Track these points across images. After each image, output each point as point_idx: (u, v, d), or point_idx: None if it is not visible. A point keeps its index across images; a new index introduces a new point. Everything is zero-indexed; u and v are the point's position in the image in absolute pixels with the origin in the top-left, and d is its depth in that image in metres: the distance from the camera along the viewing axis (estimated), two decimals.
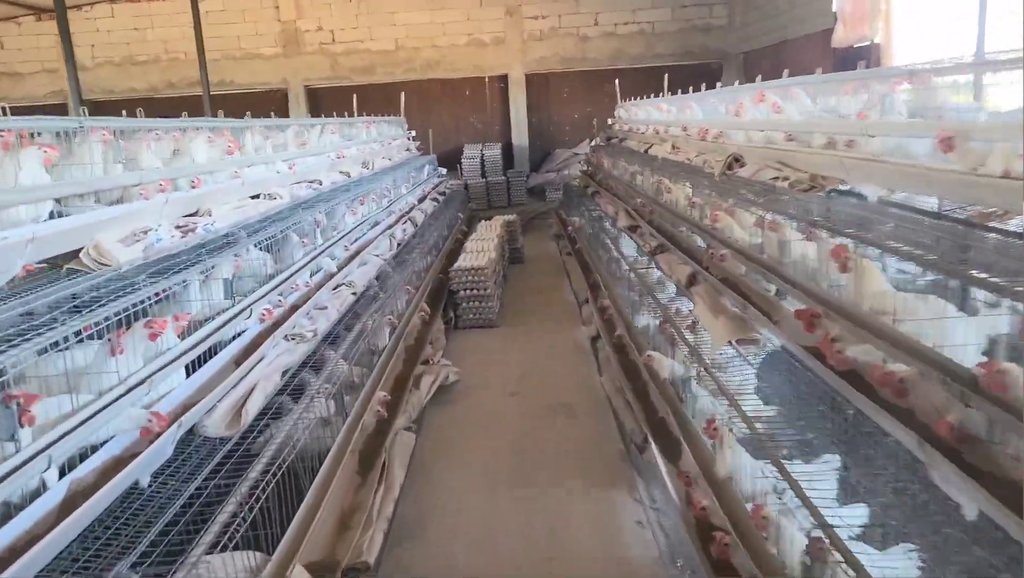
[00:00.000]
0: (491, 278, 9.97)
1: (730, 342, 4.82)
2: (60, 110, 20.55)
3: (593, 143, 18.58)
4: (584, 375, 8.09)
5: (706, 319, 5.18)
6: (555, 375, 8.15)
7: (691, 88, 12.54)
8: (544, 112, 22.35)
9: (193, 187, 5.57)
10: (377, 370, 6.51)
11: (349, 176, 9.99)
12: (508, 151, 21.72)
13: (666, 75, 16.13)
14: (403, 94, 19.05)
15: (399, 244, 10.04)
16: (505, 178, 20.62)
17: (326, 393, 5.07)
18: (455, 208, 15.63)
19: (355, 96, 17.06)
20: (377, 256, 8.76)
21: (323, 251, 6.95)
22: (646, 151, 11.60)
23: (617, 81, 17.74)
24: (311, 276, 6.70)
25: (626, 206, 10.30)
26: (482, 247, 10.96)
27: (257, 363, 4.70)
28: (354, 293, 7.18)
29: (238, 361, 4.67)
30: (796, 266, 4.80)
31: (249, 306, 4.88)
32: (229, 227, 5.58)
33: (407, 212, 11.63)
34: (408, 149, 16.18)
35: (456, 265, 10.19)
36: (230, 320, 4.71)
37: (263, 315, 5.14)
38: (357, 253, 8.13)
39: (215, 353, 4.64)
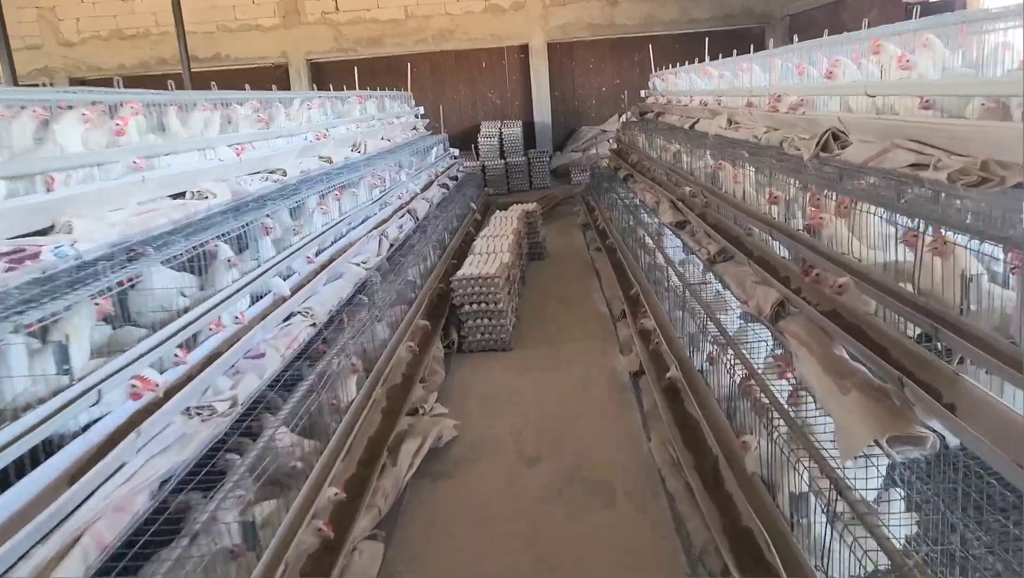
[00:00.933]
0: (503, 288, 8.03)
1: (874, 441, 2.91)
2: None
3: (623, 119, 16.56)
4: (625, 429, 6.09)
5: (824, 393, 3.28)
6: (586, 429, 6.14)
7: (734, 53, 10.68)
8: (568, 85, 20.33)
9: (48, 190, 3.75)
10: (335, 441, 4.62)
11: (331, 162, 8.15)
12: (529, 129, 19.75)
13: (707, 39, 13.99)
14: (410, 65, 17.09)
15: (392, 244, 8.19)
16: (526, 159, 18.67)
17: (232, 507, 3.23)
18: (468, 195, 13.75)
19: (356, 69, 15.18)
20: (359, 264, 6.93)
21: (270, 268, 5.12)
22: (691, 127, 9.62)
23: (651, 47, 15.64)
24: (251, 305, 4.89)
25: (670, 196, 8.36)
26: (495, 246, 9.09)
27: (105, 480, 2.90)
28: (314, 324, 5.34)
29: (72, 477, 2.87)
30: (980, 313, 2.89)
31: (99, 384, 3.06)
32: (105, 247, 3.76)
33: (406, 203, 9.76)
34: (415, 128, 14.28)
35: (460, 273, 8.24)
36: (64, 406, 2.91)
37: (134, 388, 3.31)
38: (328, 264, 6.30)
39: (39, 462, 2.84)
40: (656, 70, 14.83)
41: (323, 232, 6.46)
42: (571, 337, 8.44)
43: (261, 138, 6.81)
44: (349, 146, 9.69)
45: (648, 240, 8.47)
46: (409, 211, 9.80)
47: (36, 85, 19.25)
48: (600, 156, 19.37)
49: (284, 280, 5.37)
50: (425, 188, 11.49)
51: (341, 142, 9.37)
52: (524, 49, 19.81)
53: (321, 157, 8.15)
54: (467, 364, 7.82)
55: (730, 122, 7.86)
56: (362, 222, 7.86)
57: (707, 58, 13.64)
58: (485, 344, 8.13)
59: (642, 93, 15.27)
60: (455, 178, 14.21)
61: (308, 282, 5.78)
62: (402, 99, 14.69)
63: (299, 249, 5.83)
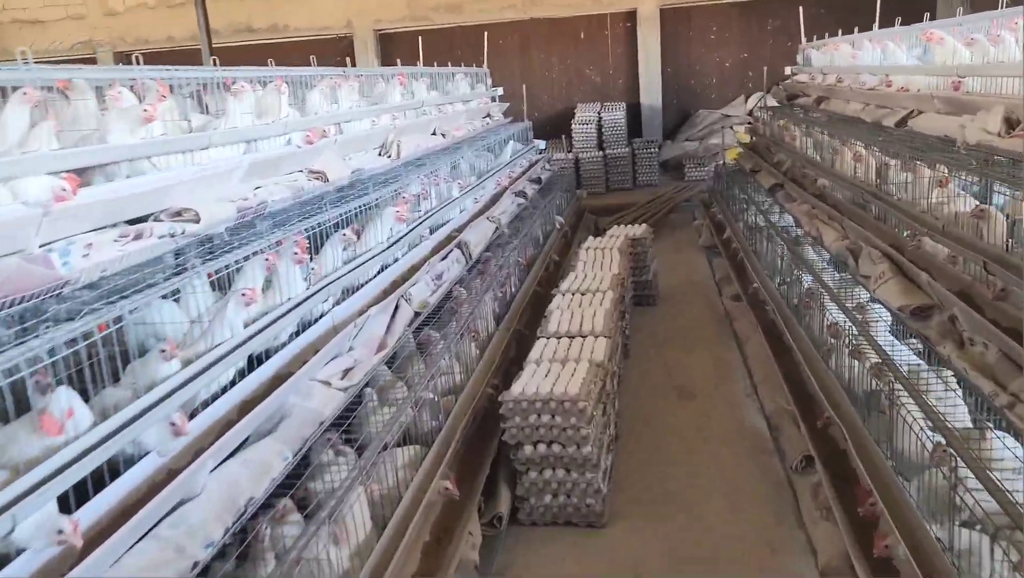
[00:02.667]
0: (592, 417, 4.58)
1: None
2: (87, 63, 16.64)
3: (759, 103, 12.98)
4: None
5: None
6: None
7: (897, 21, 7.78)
8: (683, 60, 16.82)
9: None
10: None
11: (324, 180, 5.15)
12: (635, 113, 16.34)
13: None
14: (487, 35, 13.89)
15: (416, 320, 5.15)
16: (629, 150, 15.28)
17: None
18: (553, 204, 10.53)
19: (420, 40, 12.13)
20: (335, 385, 3.91)
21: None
22: (901, 122, 6.12)
23: (801, 10, 11.92)
24: None
25: (885, 247, 4.96)
26: (582, 315, 5.75)
27: None
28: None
29: None
30: None
31: None
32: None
33: (456, 231, 6.66)
34: (487, 116, 11.14)
35: (516, 389, 4.71)
36: None
37: None
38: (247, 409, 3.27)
39: None
40: (808, 40, 11.19)
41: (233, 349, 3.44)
42: (711, 490, 4.91)
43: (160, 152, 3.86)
44: (375, 147, 6.65)
45: (826, 299, 5.09)
46: (460, 245, 6.70)
47: (83, 60, 17.04)
48: (722, 147, 15.80)
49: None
50: (489, 205, 8.35)
51: (361, 142, 6.35)
52: (631, 16, 16.38)
53: (311, 173, 5.14)
54: (523, 548, 4.53)
55: (1009, 124, 4.40)
56: (361, 286, 4.83)
57: (877, 22, 10.01)
58: (558, 513, 4.64)
59: (788, 70, 11.68)
60: (538, 180, 11.01)
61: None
62: (474, 78, 11.57)
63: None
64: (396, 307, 5.14)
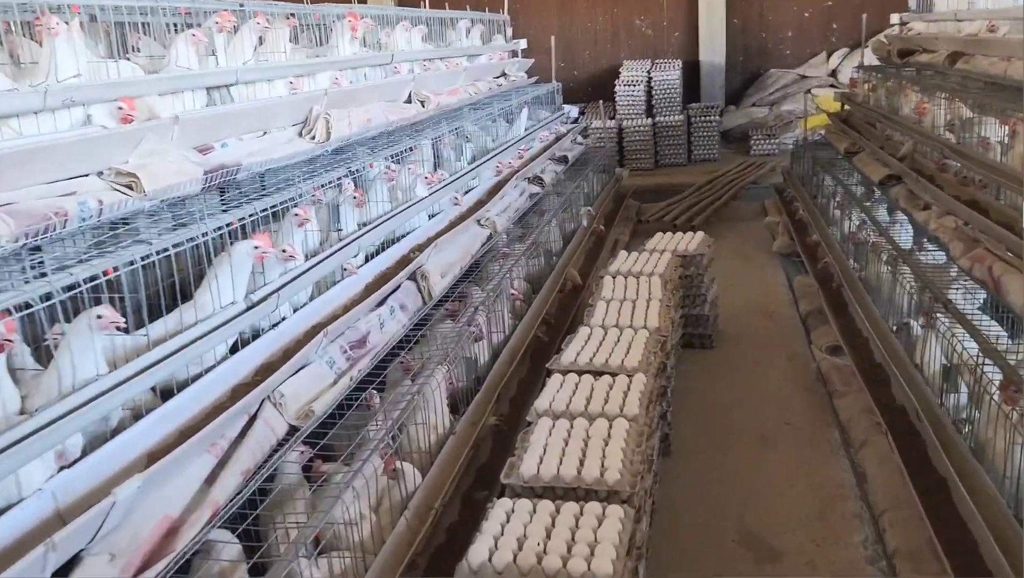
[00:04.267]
0: None
1: None
2: None
3: (846, 61, 10.30)
4: None
5: None
6: None
7: None
8: (753, 9, 14.09)
9: None
10: None
11: (139, 189, 2.86)
12: (692, 73, 13.65)
13: None
14: None
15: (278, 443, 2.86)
16: (685, 117, 12.66)
17: None
18: (579, 191, 8.08)
19: None
20: None
21: None
22: None
23: None
24: None
25: None
26: (577, 456, 3.14)
27: None
28: None
29: None
30: None
31: None
32: None
33: (381, 290, 4.30)
34: (500, 76, 8.67)
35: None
36: None
37: None
38: None
39: None
40: None
41: None
42: None
43: None
44: (295, 124, 4.32)
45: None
46: (415, 277, 4.38)
47: None
48: (797, 115, 13.07)
49: None
50: (488, 195, 5.99)
51: (259, 117, 4.04)
52: None
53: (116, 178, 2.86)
54: None
55: None
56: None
57: None
58: None
59: (895, 18, 8.94)
60: (563, 159, 8.54)
61: None
62: (489, 27, 9.10)
63: None
64: (245, 430, 2.86)
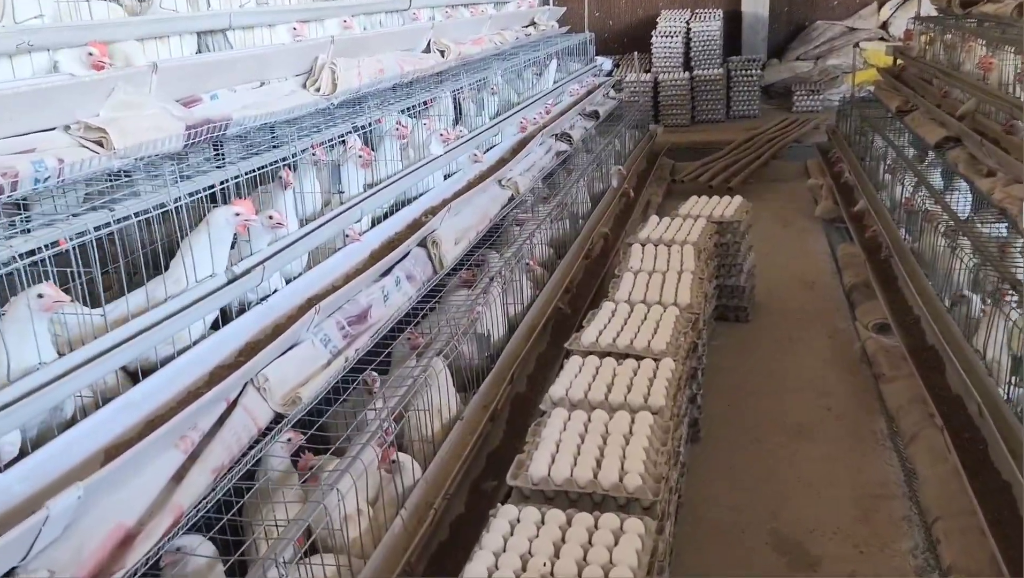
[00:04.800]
0: None
1: None
2: None
3: (913, 16, 9.67)
4: None
5: None
6: None
7: None
8: None
9: None
10: None
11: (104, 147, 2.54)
12: (734, 23, 12.96)
13: None
14: None
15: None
16: (724, 71, 12.06)
17: None
18: (611, 149, 7.65)
19: None
20: None
21: None
22: None
23: None
24: None
25: None
26: (594, 452, 2.81)
27: None
28: None
29: None
30: None
31: None
32: None
33: (390, 256, 3.94)
34: (530, 24, 8.18)
35: None
36: None
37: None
38: None
39: None
40: None
41: None
42: None
43: None
44: (298, 74, 3.96)
45: None
46: (426, 244, 4.03)
47: None
48: (842, 69, 12.40)
49: None
50: (512, 153, 5.61)
51: (258, 67, 3.68)
52: None
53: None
54: None
55: None
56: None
57: None
58: None
59: None
60: (593, 115, 8.08)
61: None
62: None
63: None
64: (223, 419, 2.56)
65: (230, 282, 2.74)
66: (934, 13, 8.60)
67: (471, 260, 4.55)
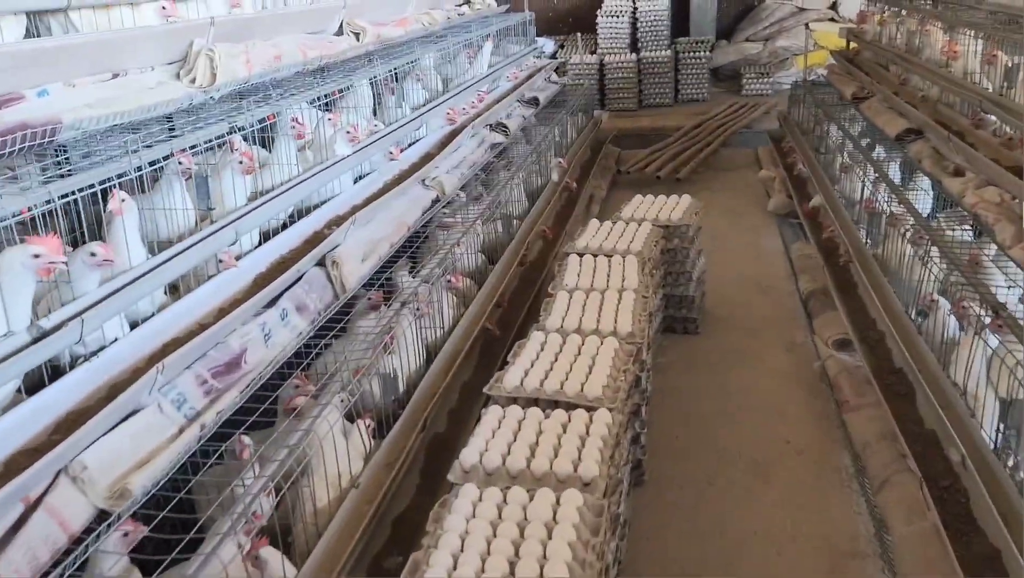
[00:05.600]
0: None
1: None
2: None
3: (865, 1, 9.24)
4: None
5: None
6: None
7: None
8: None
9: None
10: None
11: None
12: (682, 3, 12.46)
13: None
14: None
15: None
16: (672, 52, 11.56)
17: None
18: (550, 138, 7.09)
19: None
20: None
21: None
22: None
23: None
24: None
25: None
26: (513, 534, 2.32)
27: None
28: None
29: None
30: None
31: None
32: None
33: (267, 287, 3.36)
34: (464, 3, 7.55)
35: None
36: None
37: None
38: None
39: None
40: None
41: None
42: None
43: None
44: (171, 62, 3.31)
45: None
46: (328, 265, 3.42)
47: None
48: (792, 51, 12.02)
49: None
50: (437, 150, 5.00)
51: (113, 55, 3.02)
52: None
53: None
54: None
55: None
56: None
57: None
58: None
59: None
60: (533, 101, 7.51)
61: None
62: None
63: None
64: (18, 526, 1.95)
65: (36, 340, 2.12)
66: None
67: (386, 275, 3.96)
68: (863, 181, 5.21)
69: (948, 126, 5.02)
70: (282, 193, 3.39)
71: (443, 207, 4.93)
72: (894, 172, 5.78)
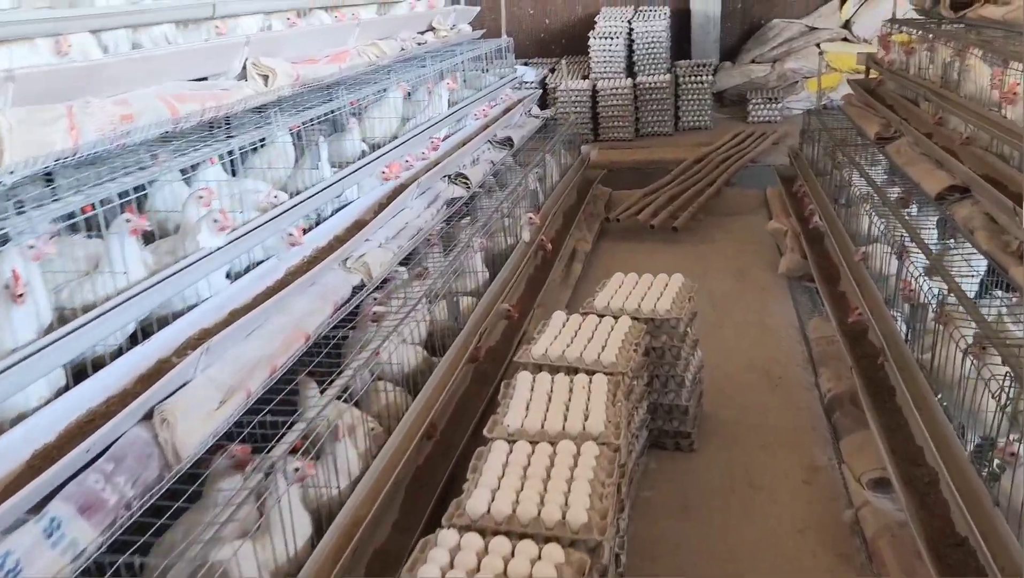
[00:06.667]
0: None
1: None
2: None
3: (888, 18, 8.30)
4: None
5: None
6: None
7: None
8: None
9: None
10: None
11: None
12: (682, 22, 11.52)
13: None
14: None
15: None
16: (672, 76, 10.59)
17: None
18: (522, 188, 6.09)
19: None
20: None
21: None
22: None
23: None
24: None
25: None
26: None
27: None
28: None
29: None
30: None
31: None
32: None
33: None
34: (427, 30, 6.58)
35: None
36: None
37: None
38: None
39: None
40: None
41: None
42: None
43: None
44: None
45: None
46: (157, 424, 2.42)
47: None
48: (802, 73, 11.03)
49: None
50: (374, 214, 4.00)
51: None
52: None
53: None
54: None
55: None
56: None
57: None
58: None
59: None
60: (506, 142, 6.52)
61: None
62: None
63: None
64: None
65: None
66: (913, 15, 7.18)
67: (265, 412, 2.95)
68: (899, 257, 4.16)
69: (1000, 183, 4.02)
70: (85, 324, 2.39)
71: (372, 292, 3.94)
72: (930, 230, 4.75)
